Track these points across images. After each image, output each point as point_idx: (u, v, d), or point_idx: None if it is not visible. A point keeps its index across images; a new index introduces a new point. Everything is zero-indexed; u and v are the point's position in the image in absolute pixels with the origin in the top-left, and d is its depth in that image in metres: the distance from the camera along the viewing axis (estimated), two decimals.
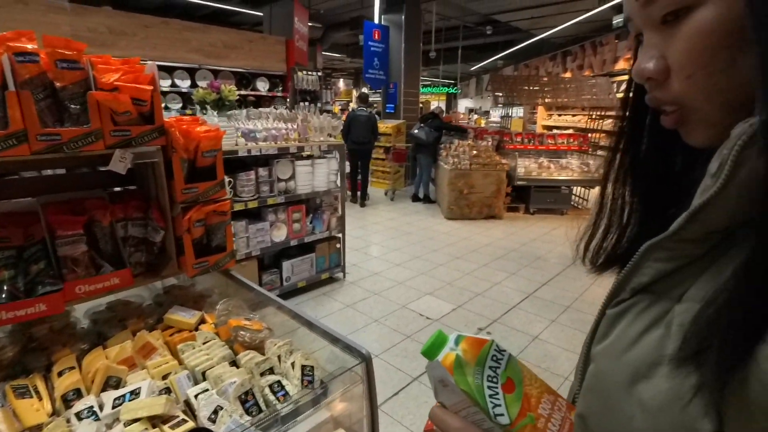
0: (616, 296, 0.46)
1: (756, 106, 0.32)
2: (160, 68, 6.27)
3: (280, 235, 3.66)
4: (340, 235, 4.20)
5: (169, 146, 1.40)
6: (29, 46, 1.16)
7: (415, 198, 8.16)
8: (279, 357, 1.25)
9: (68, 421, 1.04)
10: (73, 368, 1.22)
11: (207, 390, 1.13)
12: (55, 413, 1.10)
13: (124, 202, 1.48)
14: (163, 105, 6.05)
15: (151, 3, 9.72)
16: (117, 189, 1.63)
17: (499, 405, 0.47)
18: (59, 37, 1.19)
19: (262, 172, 3.42)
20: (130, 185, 1.66)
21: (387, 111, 9.55)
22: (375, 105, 10.22)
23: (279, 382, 1.16)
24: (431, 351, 0.50)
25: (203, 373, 1.20)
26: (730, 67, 0.34)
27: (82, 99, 1.23)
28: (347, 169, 6.78)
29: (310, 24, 9.50)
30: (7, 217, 1.29)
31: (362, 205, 7.74)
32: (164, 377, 1.20)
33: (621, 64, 12.39)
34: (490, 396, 0.47)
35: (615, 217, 0.52)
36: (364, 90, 10.27)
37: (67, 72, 1.20)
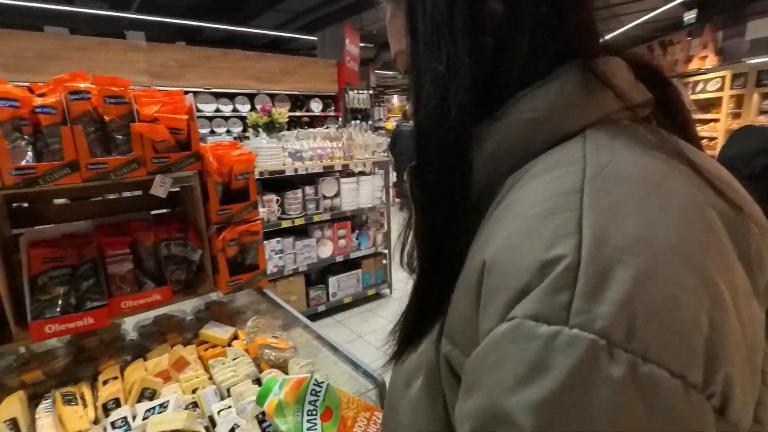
0: None
1: None
2: (224, 95, 6.76)
3: (326, 251, 3.74)
4: (386, 251, 4.20)
5: (204, 171, 1.49)
6: (82, 85, 1.29)
7: None
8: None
9: (104, 429, 1.12)
10: (116, 378, 1.31)
11: (229, 407, 1.16)
12: (97, 420, 1.19)
13: (166, 224, 1.59)
14: (225, 129, 6.49)
15: (216, 36, 10.56)
16: (161, 211, 1.76)
17: None
18: (107, 76, 1.32)
19: (309, 190, 3.53)
20: (172, 207, 1.79)
21: None
22: None
23: None
24: (260, 399, 0.57)
25: (228, 390, 1.23)
26: None
27: (127, 130, 1.34)
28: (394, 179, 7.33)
29: (362, 45, 9.79)
30: (66, 238, 1.44)
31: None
32: (194, 391, 1.25)
33: (695, 63, 11.41)
34: (309, 429, 0.53)
35: None
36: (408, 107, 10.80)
37: (114, 107, 1.32)
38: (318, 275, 3.93)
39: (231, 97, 6.90)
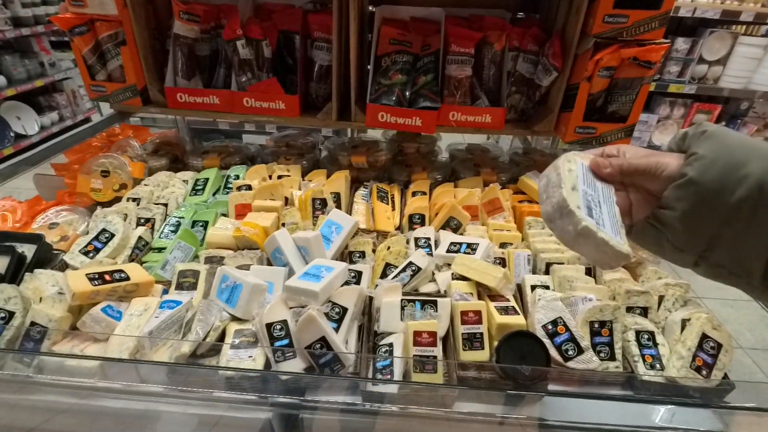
0: None
1: None
2: None
3: (663, 138, 2.78)
4: None
5: None
6: None
7: None
8: (661, 299, 0.81)
9: (407, 242, 1.00)
10: (424, 194, 1.18)
11: (548, 288, 0.85)
12: (400, 228, 1.10)
13: (523, 28, 1.20)
14: None
15: None
16: (520, 15, 1.35)
17: None
18: None
19: (681, 44, 2.48)
20: (533, 13, 1.35)
21: None
22: None
23: (652, 334, 0.75)
24: None
25: (547, 265, 0.91)
26: None
27: None
28: None
29: None
30: (415, 21, 1.23)
31: None
32: (502, 245, 1.00)
33: None
34: None
35: None
36: None
37: None
38: None
39: None
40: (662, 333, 0.77)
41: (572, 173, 0.48)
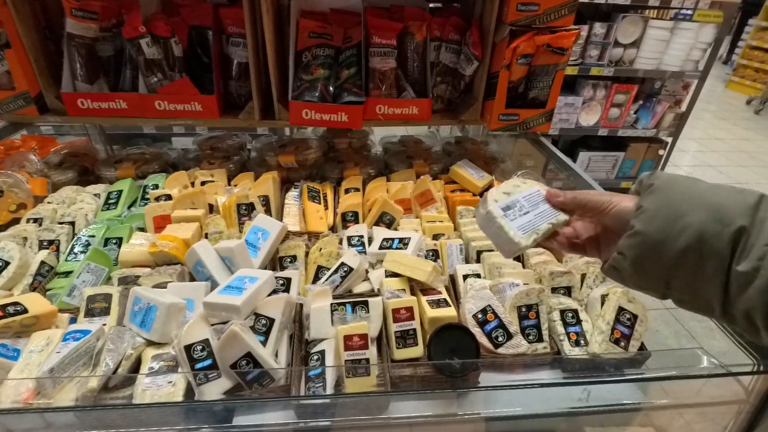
0: None
1: None
2: None
3: (589, 118, 2.94)
4: (669, 139, 3.10)
5: None
6: None
7: None
8: (583, 277, 0.85)
9: (340, 242, 0.98)
10: (357, 190, 1.16)
11: (479, 276, 0.86)
12: (333, 228, 1.08)
13: (443, 18, 1.20)
14: None
15: None
16: (438, 5, 1.36)
17: None
18: None
19: (598, 29, 2.62)
20: (453, 2, 1.36)
21: None
22: None
23: (576, 312, 0.78)
24: None
25: (478, 253, 0.93)
26: None
27: None
28: None
29: None
30: (335, 13, 1.20)
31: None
32: (435, 237, 1.00)
33: None
34: None
35: None
36: None
37: None
38: (566, 145, 3.24)
39: None
40: (585, 310, 0.81)
41: (518, 188, 0.57)
